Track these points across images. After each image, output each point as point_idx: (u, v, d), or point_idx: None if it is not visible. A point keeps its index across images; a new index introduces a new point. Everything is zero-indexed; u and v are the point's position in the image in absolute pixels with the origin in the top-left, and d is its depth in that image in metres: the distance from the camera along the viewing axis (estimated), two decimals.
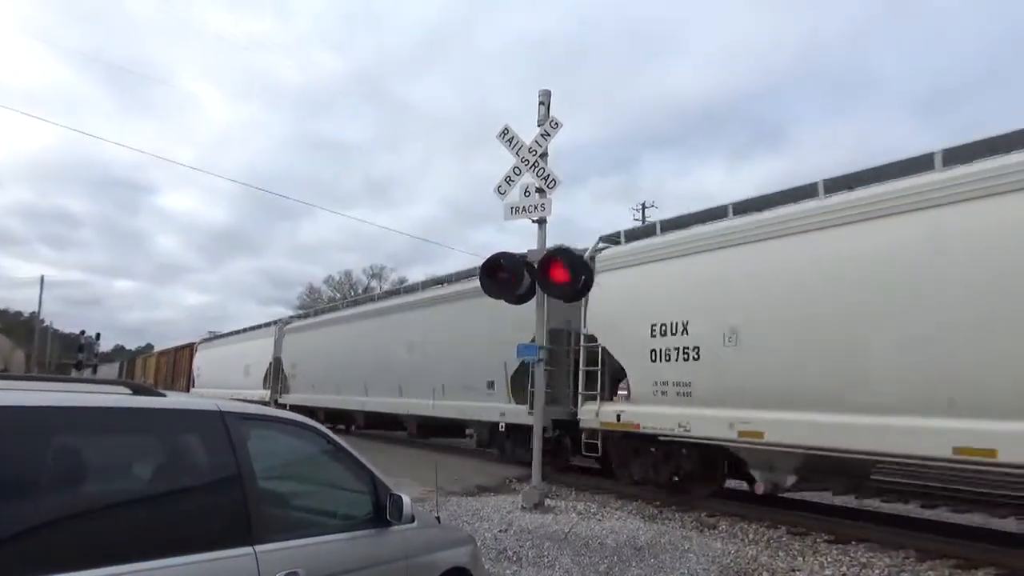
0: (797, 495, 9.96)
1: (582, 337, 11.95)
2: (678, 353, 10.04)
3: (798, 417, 8.31)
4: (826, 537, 8.12)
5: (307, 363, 23.23)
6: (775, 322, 8.82)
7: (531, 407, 11.44)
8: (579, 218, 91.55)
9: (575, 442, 12.31)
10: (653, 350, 10.39)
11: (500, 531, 8.04)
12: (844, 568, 6.88)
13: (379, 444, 18.13)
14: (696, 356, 9.80)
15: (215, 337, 36.08)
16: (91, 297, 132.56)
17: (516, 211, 10.00)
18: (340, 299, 44.77)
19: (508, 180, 10.12)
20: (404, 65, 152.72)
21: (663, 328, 10.26)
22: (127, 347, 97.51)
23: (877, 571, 6.80)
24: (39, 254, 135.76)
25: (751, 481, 9.57)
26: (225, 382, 29.48)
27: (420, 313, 17.01)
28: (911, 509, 9.52)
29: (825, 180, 8.71)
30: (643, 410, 10.54)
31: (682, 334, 10.00)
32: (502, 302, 10.43)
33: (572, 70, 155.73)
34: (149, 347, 77.14)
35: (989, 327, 6.85)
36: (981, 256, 6.98)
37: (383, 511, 3.69)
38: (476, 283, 11.21)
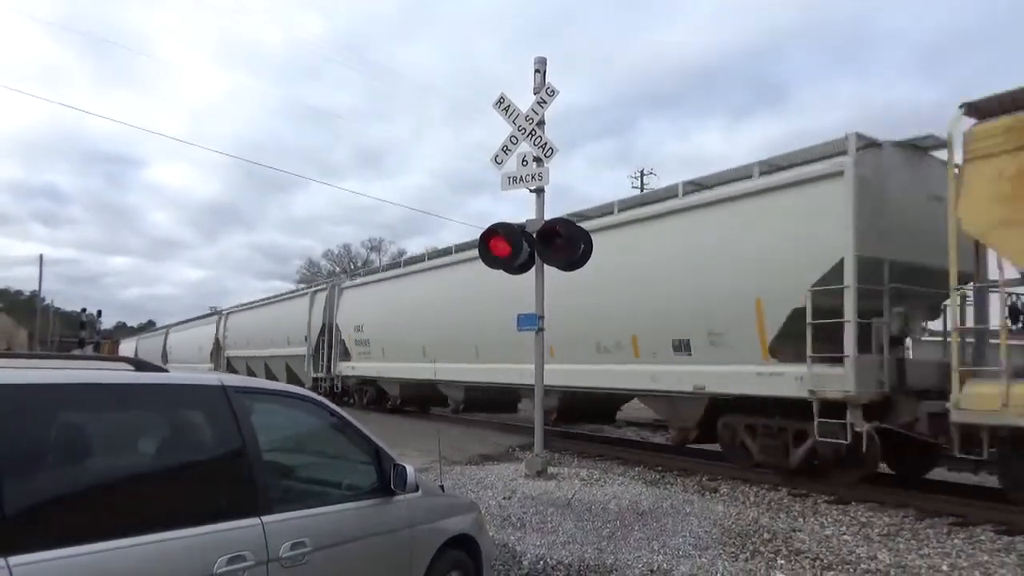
0: None
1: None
2: None
3: None
4: (827, 498, 8.22)
5: (388, 329, 18.71)
6: None
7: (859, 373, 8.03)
8: (576, 185, 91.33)
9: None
10: None
11: (504, 498, 8.13)
12: (844, 528, 6.97)
13: (379, 416, 18.27)
14: None
15: (242, 307, 31.70)
16: (88, 274, 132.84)
17: (513, 181, 9.94)
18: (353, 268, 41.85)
19: (505, 150, 10.04)
20: (391, 28, 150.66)
21: None
22: (128, 324, 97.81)
23: (877, 530, 6.89)
24: (32, 232, 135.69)
25: None
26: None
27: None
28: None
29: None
30: None
31: None
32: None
33: (566, 31, 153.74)
34: (151, 323, 77.52)
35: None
36: None
37: (387, 481, 3.74)
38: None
